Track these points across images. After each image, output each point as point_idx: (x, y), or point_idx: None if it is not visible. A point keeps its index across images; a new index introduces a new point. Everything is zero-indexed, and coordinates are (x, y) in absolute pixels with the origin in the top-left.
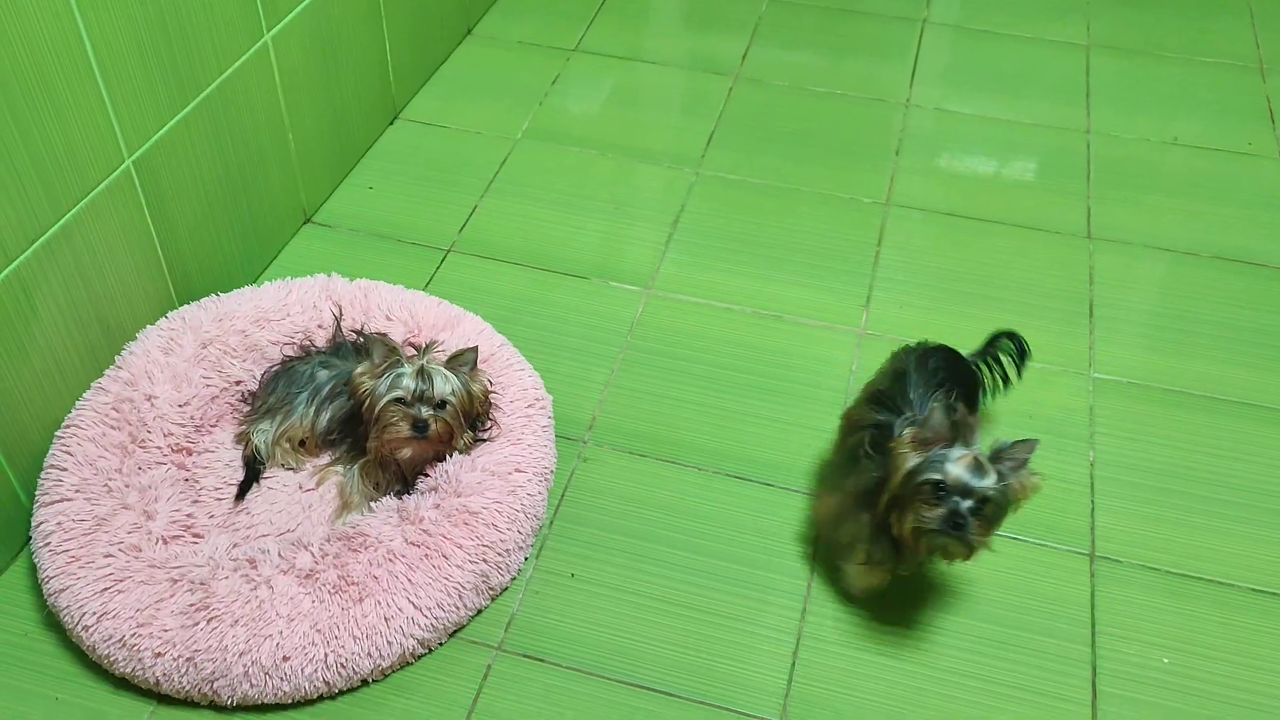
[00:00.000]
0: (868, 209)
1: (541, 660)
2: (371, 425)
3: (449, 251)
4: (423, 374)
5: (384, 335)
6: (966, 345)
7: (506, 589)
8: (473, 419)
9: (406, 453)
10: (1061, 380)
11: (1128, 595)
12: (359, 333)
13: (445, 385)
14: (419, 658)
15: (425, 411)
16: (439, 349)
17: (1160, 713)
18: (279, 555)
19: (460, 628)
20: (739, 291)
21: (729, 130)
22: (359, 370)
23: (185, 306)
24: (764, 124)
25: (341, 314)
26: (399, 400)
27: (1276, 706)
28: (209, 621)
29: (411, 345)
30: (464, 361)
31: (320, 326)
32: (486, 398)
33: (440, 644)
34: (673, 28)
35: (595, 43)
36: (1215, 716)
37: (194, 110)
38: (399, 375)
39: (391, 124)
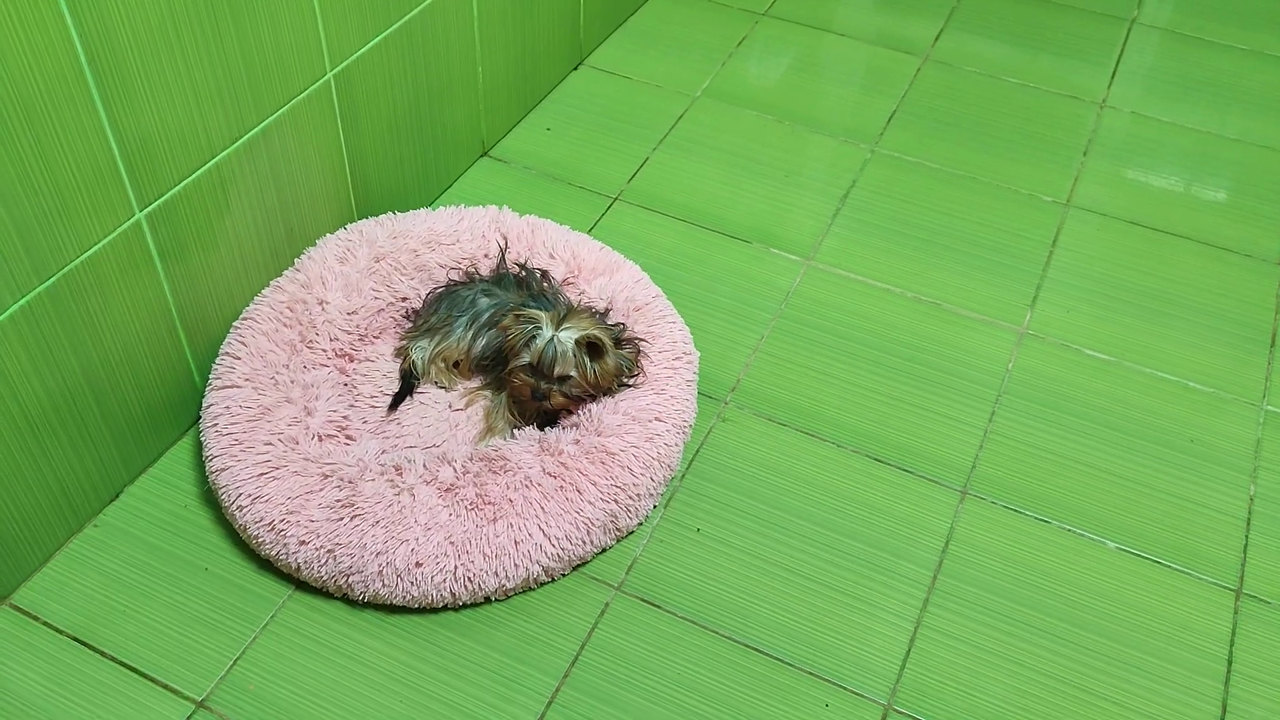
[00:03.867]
0: (1046, 207)
1: (658, 606)
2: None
3: (616, 200)
4: (552, 345)
5: (546, 271)
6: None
7: (633, 532)
8: (603, 390)
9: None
10: (1230, 409)
11: (1272, 638)
12: (522, 265)
13: (567, 367)
14: (541, 585)
15: (544, 385)
16: (583, 314)
17: None
18: (424, 466)
19: (584, 562)
20: (901, 274)
21: (911, 111)
22: (507, 321)
23: (363, 220)
24: (949, 109)
25: (507, 246)
26: (527, 364)
27: None
28: (352, 519)
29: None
30: (597, 336)
31: (486, 256)
32: (618, 375)
33: (563, 574)
34: (867, 2)
35: (786, 9)
36: None
37: (395, 32)
38: (533, 336)
39: (576, 69)
